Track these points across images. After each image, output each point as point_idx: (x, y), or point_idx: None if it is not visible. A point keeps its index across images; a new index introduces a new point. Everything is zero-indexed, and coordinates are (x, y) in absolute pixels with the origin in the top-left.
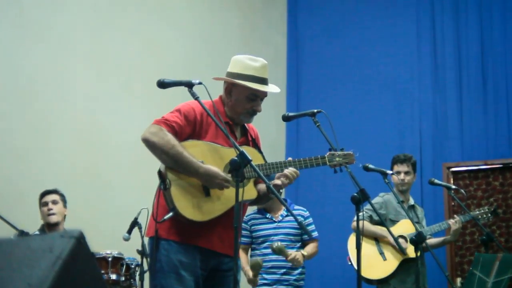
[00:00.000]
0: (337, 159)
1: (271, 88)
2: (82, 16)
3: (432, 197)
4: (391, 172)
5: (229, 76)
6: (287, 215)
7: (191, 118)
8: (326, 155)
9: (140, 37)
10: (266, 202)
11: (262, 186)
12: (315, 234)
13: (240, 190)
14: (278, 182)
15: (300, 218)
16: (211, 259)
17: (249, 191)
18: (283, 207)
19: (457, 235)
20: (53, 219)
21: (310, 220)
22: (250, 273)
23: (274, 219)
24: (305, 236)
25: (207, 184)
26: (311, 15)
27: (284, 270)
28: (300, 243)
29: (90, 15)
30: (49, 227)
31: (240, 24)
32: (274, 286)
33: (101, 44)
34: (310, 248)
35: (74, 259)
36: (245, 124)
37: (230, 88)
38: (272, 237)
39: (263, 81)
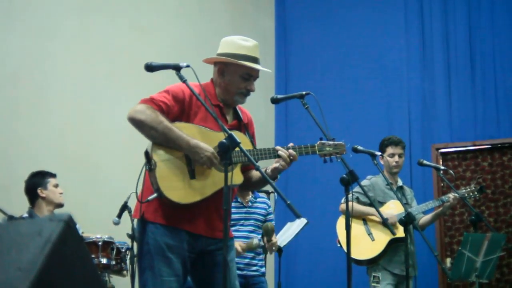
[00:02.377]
0: (328, 149)
1: (264, 68)
2: (67, 2)
3: (421, 178)
4: (379, 153)
5: (222, 57)
6: (255, 201)
7: (179, 99)
8: (316, 144)
9: (127, 22)
10: (263, 187)
11: (256, 172)
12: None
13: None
14: (276, 165)
15: (269, 206)
16: (198, 242)
17: (235, 176)
18: (251, 192)
19: (449, 209)
20: (63, 200)
21: (271, 209)
22: (240, 248)
23: (244, 204)
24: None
25: (195, 157)
26: None
27: (252, 254)
28: None
29: (76, 1)
30: (56, 208)
31: (228, 8)
32: (245, 271)
33: (88, 30)
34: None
35: (63, 242)
36: (238, 108)
37: (223, 68)
38: (243, 221)
39: (255, 60)
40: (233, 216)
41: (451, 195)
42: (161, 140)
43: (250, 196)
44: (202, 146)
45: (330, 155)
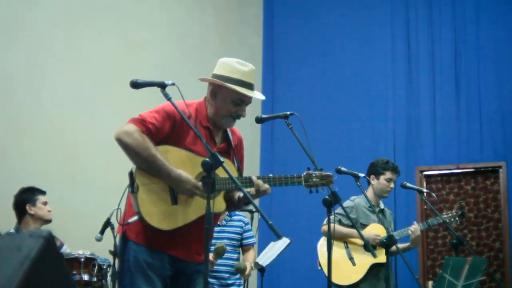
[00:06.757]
0: (314, 179)
1: (257, 95)
2: (56, 16)
3: (405, 200)
4: (363, 175)
5: (216, 78)
6: (230, 220)
7: (170, 121)
8: (302, 175)
9: (115, 37)
10: (235, 210)
11: (231, 195)
12: (253, 240)
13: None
14: (248, 190)
15: (245, 223)
16: (178, 263)
17: (219, 204)
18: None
19: (417, 243)
20: (51, 216)
21: (249, 226)
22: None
23: (218, 222)
24: (244, 241)
25: (176, 189)
26: (287, 16)
27: (228, 275)
28: (240, 248)
29: (64, 15)
30: (43, 224)
31: (216, 24)
32: None
33: (76, 45)
34: (252, 257)
35: (43, 259)
36: (228, 130)
37: (216, 90)
38: (216, 241)
39: (250, 86)
40: None
41: (410, 229)
42: (144, 166)
43: (225, 215)
44: (184, 178)
45: (316, 186)
